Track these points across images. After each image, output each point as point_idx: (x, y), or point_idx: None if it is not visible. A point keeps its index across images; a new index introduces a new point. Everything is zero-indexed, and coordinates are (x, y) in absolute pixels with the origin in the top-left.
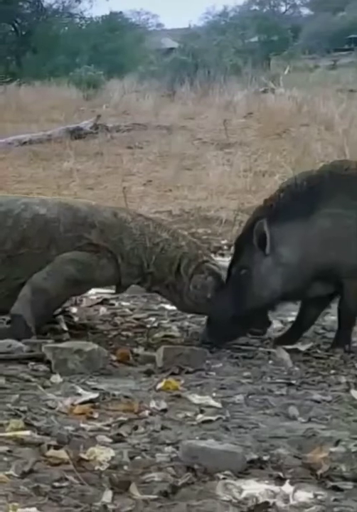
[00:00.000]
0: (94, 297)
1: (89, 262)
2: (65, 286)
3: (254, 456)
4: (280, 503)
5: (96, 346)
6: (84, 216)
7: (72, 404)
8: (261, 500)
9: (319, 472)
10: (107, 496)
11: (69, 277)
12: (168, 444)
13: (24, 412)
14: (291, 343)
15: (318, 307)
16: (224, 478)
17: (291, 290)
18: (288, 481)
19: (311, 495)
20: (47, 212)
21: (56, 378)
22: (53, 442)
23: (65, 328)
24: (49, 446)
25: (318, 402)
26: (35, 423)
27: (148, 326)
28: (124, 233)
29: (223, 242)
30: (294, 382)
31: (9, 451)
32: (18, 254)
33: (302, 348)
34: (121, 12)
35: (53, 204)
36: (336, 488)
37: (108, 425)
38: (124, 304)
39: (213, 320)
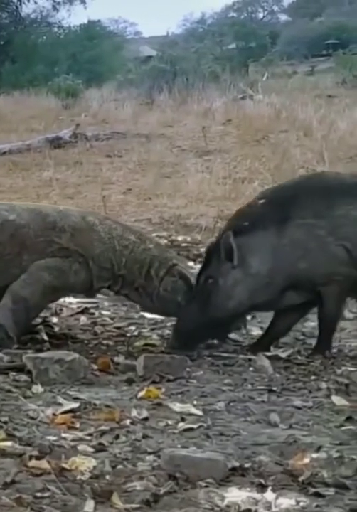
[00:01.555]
0: (75, 306)
1: (63, 267)
2: (42, 293)
3: (236, 464)
4: (262, 511)
5: (77, 356)
6: (53, 221)
7: (54, 414)
8: (243, 507)
9: (301, 478)
10: (89, 505)
11: (46, 284)
12: (150, 453)
13: (5, 422)
14: (263, 350)
15: (294, 314)
16: (206, 486)
17: (262, 301)
18: (270, 488)
19: (293, 501)
20: (16, 217)
21: (37, 388)
22: (35, 452)
23: (46, 337)
24: (31, 457)
25: (299, 408)
26: (17, 433)
27: (129, 334)
28: (94, 236)
29: (203, 249)
30: (275, 388)
31: None
32: None
33: (283, 354)
34: (99, 20)
35: (22, 209)
36: (317, 495)
37: (89, 435)
38: (104, 312)
39: (179, 327)
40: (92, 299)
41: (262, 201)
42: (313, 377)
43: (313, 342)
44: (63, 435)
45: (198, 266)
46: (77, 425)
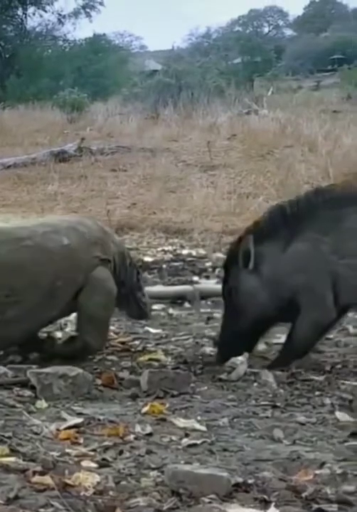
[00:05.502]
0: None
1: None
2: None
3: (240, 480)
4: None
5: (81, 371)
6: (93, 235)
7: (58, 430)
8: None
9: (304, 495)
10: None
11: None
12: (154, 469)
13: (9, 438)
14: (284, 365)
15: None
16: (209, 502)
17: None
18: (273, 504)
19: None
20: (65, 239)
21: (41, 403)
22: (38, 468)
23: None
24: (34, 472)
25: (303, 424)
26: (21, 449)
27: (133, 349)
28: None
29: (208, 264)
30: (278, 404)
31: None
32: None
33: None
34: (104, 34)
35: (63, 228)
36: (321, 511)
37: (93, 450)
38: None
39: (220, 342)
40: None
41: (277, 212)
42: (317, 393)
43: (317, 357)
44: (67, 450)
45: (203, 280)
46: (81, 441)
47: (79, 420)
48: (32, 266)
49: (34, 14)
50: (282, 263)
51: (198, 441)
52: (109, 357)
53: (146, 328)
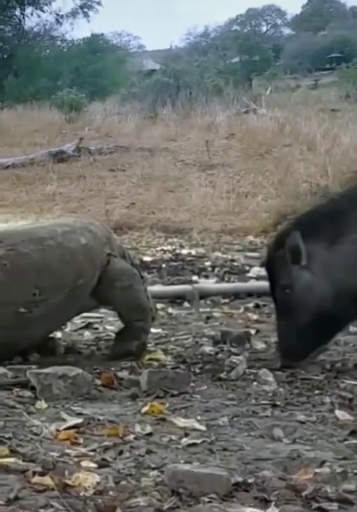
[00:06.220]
0: (79, 321)
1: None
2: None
3: (240, 479)
4: None
5: (80, 371)
6: (101, 235)
7: (57, 430)
8: None
9: (304, 493)
10: None
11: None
12: (154, 468)
13: (9, 438)
14: None
15: None
16: (209, 502)
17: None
18: (273, 503)
19: None
20: (83, 239)
21: (41, 404)
22: (38, 469)
23: (63, 351)
24: (34, 473)
25: (303, 422)
26: (20, 450)
27: None
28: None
29: (207, 263)
30: (278, 403)
31: None
32: (77, 286)
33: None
34: (102, 34)
35: (78, 229)
36: (321, 510)
37: (93, 450)
38: (108, 327)
39: (282, 347)
40: (95, 313)
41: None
42: (316, 392)
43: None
44: (67, 451)
45: (202, 279)
46: (81, 441)
47: (79, 420)
48: (57, 265)
49: (32, 14)
50: (334, 257)
51: (198, 441)
52: None
53: None
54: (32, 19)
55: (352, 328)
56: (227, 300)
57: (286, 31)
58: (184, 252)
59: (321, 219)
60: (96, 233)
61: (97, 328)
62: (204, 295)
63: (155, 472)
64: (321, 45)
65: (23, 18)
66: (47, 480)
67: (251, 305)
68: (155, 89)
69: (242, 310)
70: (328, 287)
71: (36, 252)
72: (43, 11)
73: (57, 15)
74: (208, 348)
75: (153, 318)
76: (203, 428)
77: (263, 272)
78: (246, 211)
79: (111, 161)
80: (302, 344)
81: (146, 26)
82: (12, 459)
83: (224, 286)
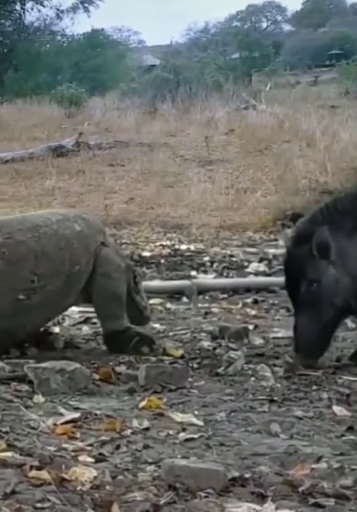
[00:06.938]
0: (77, 316)
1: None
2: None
3: (236, 474)
4: None
5: (78, 365)
6: (93, 223)
7: (55, 424)
8: None
9: (301, 489)
10: None
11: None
12: (151, 463)
13: (6, 432)
14: None
15: None
16: (206, 497)
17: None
18: (270, 498)
19: None
20: (77, 226)
21: (38, 398)
22: (35, 463)
23: (62, 345)
24: (31, 467)
25: (300, 418)
26: (18, 444)
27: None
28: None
29: (206, 258)
30: (276, 398)
31: None
32: (73, 273)
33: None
34: (102, 29)
35: (72, 217)
36: (317, 505)
37: (90, 445)
38: None
39: (301, 341)
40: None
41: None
42: (314, 388)
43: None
44: (64, 445)
45: (201, 275)
46: (78, 435)
47: (76, 415)
48: (54, 252)
49: (32, 9)
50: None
51: (195, 436)
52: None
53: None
54: (32, 14)
55: (351, 324)
56: (225, 295)
57: (287, 27)
58: (183, 247)
59: (342, 214)
60: (89, 221)
61: (95, 323)
62: (202, 290)
63: (152, 467)
64: (321, 41)
65: (24, 12)
66: (44, 474)
67: (249, 300)
68: (155, 84)
69: (240, 305)
70: (351, 282)
71: (33, 239)
72: (44, 6)
73: (58, 10)
74: (206, 343)
75: (148, 318)
76: (201, 423)
77: (262, 267)
78: (245, 207)
79: (110, 156)
80: (323, 341)
81: (147, 22)
82: (9, 453)
83: (222, 281)
